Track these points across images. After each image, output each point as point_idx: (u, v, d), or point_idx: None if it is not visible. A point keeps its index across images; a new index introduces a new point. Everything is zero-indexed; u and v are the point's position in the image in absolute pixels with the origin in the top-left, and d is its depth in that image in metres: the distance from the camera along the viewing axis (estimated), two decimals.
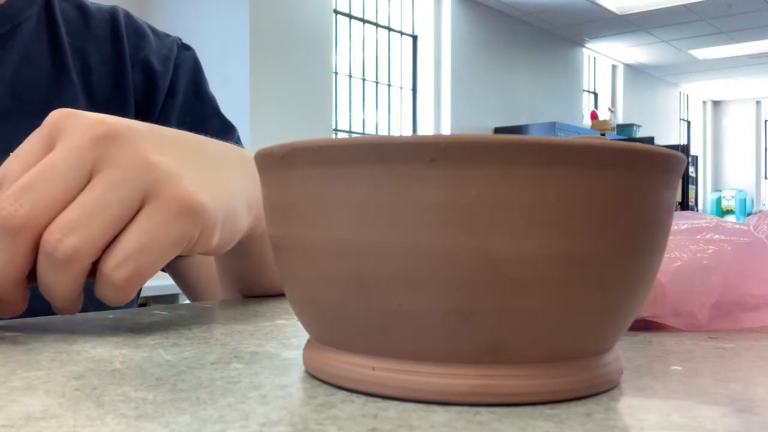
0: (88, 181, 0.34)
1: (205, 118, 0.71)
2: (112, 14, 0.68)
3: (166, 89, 0.68)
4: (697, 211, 8.35)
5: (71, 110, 0.36)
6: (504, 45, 6.84)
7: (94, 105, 0.64)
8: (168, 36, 0.72)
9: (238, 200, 0.42)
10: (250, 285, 0.56)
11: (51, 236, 0.33)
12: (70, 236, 0.33)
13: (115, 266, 0.34)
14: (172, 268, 0.70)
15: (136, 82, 0.67)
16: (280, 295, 0.56)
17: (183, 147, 0.39)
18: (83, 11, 0.67)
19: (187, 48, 0.73)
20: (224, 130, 0.71)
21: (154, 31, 0.71)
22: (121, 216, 0.34)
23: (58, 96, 0.62)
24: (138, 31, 0.69)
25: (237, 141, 0.71)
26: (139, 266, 0.34)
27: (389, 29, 6.11)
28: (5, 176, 0.35)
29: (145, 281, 0.35)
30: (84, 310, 0.55)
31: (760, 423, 0.23)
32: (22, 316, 0.46)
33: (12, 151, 0.58)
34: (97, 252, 0.34)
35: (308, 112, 4.82)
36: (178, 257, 0.68)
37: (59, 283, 0.34)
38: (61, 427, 0.21)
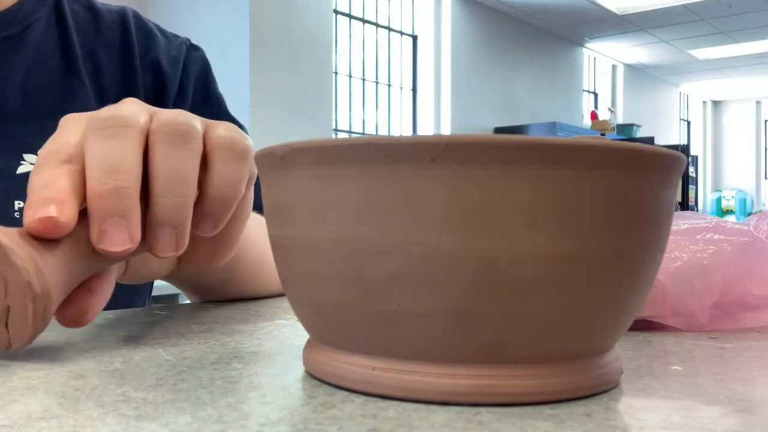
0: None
1: (213, 117, 0.70)
2: (122, 15, 0.68)
3: (176, 91, 0.68)
4: (697, 211, 8.34)
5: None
6: (504, 45, 6.84)
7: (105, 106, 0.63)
8: (177, 37, 0.72)
9: None
10: (224, 292, 0.54)
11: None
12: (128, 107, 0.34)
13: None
14: (179, 279, 0.69)
15: (146, 84, 0.67)
16: (280, 295, 0.56)
17: None
18: (93, 12, 0.67)
19: (196, 48, 0.72)
20: None
21: (163, 32, 0.71)
22: None
23: (69, 98, 0.62)
24: (147, 33, 0.69)
25: None
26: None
27: (389, 29, 6.11)
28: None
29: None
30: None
31: (760, 423, 0.23)
32: None
33: (26, 152, 0.58)
34: (144, 125, 0.33)
35: (308, 112, 4.81)
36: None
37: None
38: (61, 427, 0.21)
